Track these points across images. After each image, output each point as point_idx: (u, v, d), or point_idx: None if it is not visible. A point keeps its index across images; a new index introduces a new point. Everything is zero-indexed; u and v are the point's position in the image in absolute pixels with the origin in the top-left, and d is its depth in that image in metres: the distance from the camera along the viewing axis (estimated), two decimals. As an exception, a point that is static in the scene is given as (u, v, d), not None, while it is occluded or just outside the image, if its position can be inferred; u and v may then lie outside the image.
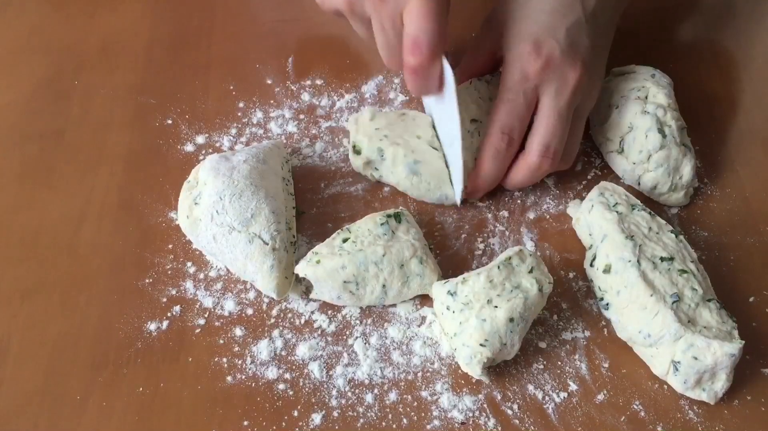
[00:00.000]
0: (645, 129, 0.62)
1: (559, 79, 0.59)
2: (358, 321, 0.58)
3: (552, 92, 0.59)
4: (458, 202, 0.63)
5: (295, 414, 0.54)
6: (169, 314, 0.58)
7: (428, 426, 0.53)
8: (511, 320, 0.53)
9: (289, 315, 0.58)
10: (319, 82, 0.73)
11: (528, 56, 0.59)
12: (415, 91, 0.60)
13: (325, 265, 0.56)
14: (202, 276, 0.60)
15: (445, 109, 0.60)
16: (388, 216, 0.59)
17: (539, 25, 0.60)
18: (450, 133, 0.60)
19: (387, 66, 0.60)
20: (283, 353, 0.56)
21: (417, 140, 0.63)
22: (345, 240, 0.57)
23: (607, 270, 0.57)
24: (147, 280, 0.60)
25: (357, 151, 0.64)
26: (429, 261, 0.57)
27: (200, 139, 0.69)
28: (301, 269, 0.57)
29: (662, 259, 0.56)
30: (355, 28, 0.61)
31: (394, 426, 0.53)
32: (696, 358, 0.52)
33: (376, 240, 0.57)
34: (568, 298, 0.59)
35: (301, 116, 0.70)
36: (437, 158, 0.62)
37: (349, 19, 0.60)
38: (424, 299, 0.59)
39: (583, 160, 0.67)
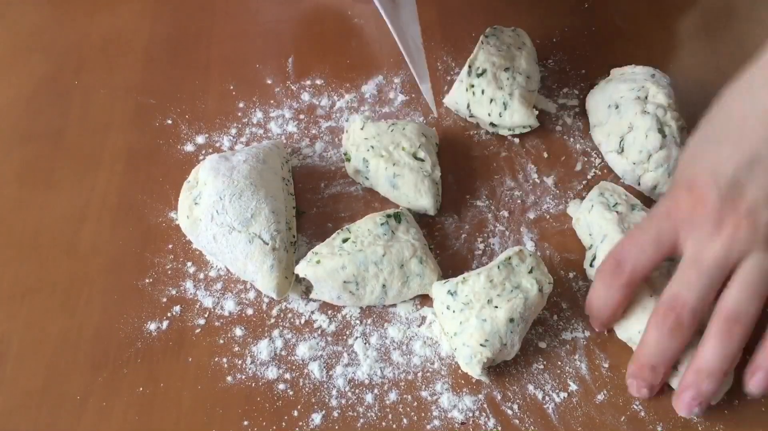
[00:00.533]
0: (645, 129, 0.62)
1: (708, 225, 0.49)
2: (358, 321, 0.58)
3: (695, 240, 0.50)
4: (435, 112, 0.67)
5: (295, 414, 0.54)
6: (169, 314, 0.58)
7: (428, 426, 0.53)
8: (512, 320, 0.53)
9: (289, 315, 0.58)
10: (319, 82, 0.73)
11: (677, 193, 0.51)
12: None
13: (325, 265, 0.56)
14: (202, 276, 0.60)
15: (403, 15, 0.58)
16: (388, 216, 0.59)
17: (703, 159, 0.51)
18: (413, 40, 0.59)
19: None
20: (283, 353, 0.56)
21: (401, 152, 0.63)
22: (345, 241, 0.57)
23: None
24: (147, 280, 0.60)
25: (347, 159, 0.64)
26: (429, 261, 0.57)
27: (200, 139, 0.69)
28: (301, 269, 0.57)
29: None
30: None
31: (394, 426, 0.53)
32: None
33: (376, 241, 0.57)
34: (568, 298, 0.59)
35: (301, 116, 0.70)
36: (416, 171, 0.62)
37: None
38: (424, 299, 0.59)
39: (583, 159, 0.67)
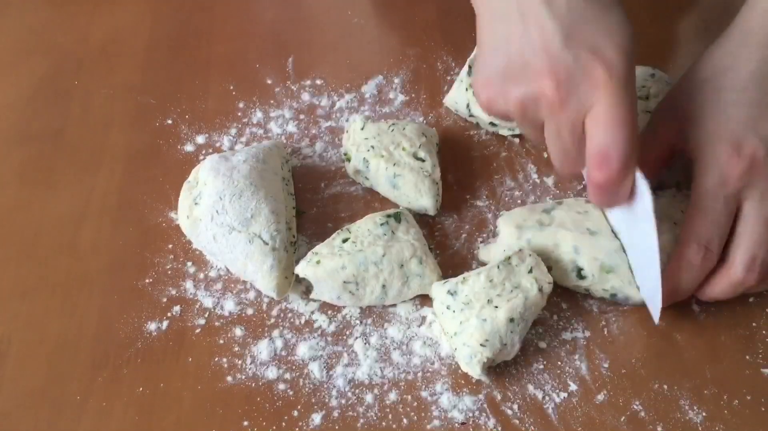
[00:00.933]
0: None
1: (764, 182, 0.52)
2: (358, 321, 0.58)
3: (757, 197, 0.52)
4: (656, 321, 0.56)
5: (295, 414, 0.54)
6: (169, 314, 0.58)
7: (428, 426, 0.53)
8: (512, 320, 0.53)
9: (289, 315, 0.58)
10: (319, 82, 0.73)
11: (728, 158, 0.52)
12: (600, 204, 0.54)
13: (325, 266, 0.56)
14: (202, 276, 0.60)
15: (636, 224, 0.52)
16: (388, 216, 0.59)
17: (737, 121, 0.53)
18: (643, 251, 0.53)
19: (559, 172, 0.53)
20: (283, 353, 0.56)
21: (401, 152, 0.63)
22: (345, 241, 0.57)
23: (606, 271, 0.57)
24: (147, 280, 0.60)
25: (347, 159, 0.64)
26: (429, 261, 0.57)
27: (200, 139, 0.69)
28: (301, 269, 0.57)
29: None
30: (523, 131, 0.55)
31: (394, 426, 0.53)
32: None
33: (376, 241, 0.57)
34: (568, 298, 0.59)
35: (301, 116, 0.70)
36: (416, 171, 0.62)
37: (518, 123, 0.53)
38: (424, 299, 0.59)
39: (583, 160, 0.67)
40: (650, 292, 0.55)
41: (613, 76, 0.47)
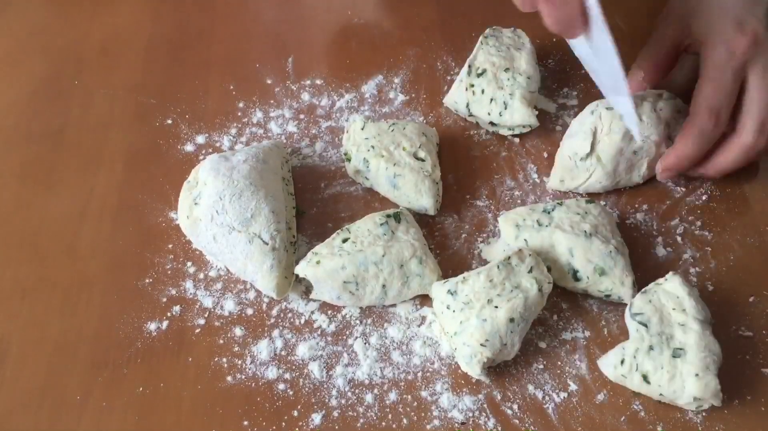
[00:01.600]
0: None
1: (766, 56, 0.57)
2: (358, 321, 0.58)
3: (761, 69, 0.58)
4: (638, 139, 0.61)
5: (295, 414, 0.54)
6: (169, 314, 0.58)
7: (428, 426, 0.53)
8: (512, 320, 0.53)
9: (289, 315, 0.58)
10: (319, 82, 0.73)
11: (734, 34, 0.57)
12: (553, 25, 0.52)
13: (325, 266, 0.56)
14: (202, 276, 0.60)
15: (597, 49, 0.54)
16: (388, 216, 0.59)
17: (736, 5, 0.59)
18: (610, 76, 0.56)
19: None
20: (283, 353, 0.56)
21: (401, 152, 0.63)
22: (345, 241, 0.57)
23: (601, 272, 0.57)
24: (147, 280, 0.60)
25: (347, 159, 0.64)
26: (429, 261, 0.57)
27: (200, 139, 0.69)
28: (301, 269, 0.57)
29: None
30: None
31: (394, 426, 0.53)
32: None
33: (376, 241, 0.57)
34: (568, 298, 0.59)
35: (301, 116, 0.70)
36: (416, 171, 0.62)
37: None
38: (424, 299, 0.59)
39: (583, 160, 0.67)
40: (625, 109, 0.58)
41: None
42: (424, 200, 0.62)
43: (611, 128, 0.63)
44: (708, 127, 0.58)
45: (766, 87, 0.58)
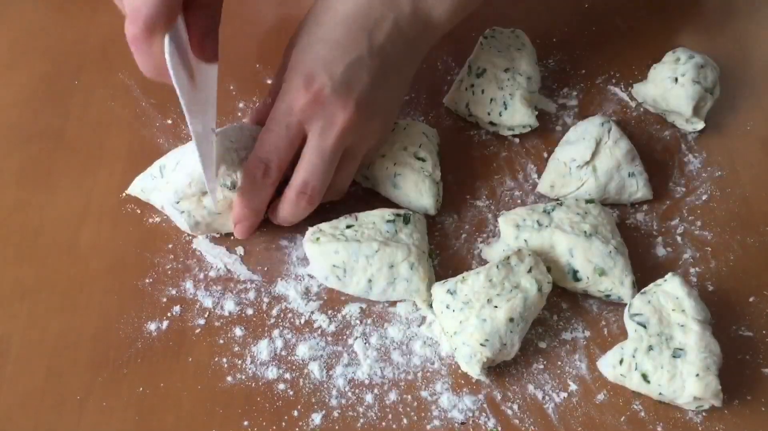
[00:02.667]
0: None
1: (326, 117, 0.56)
2: (358, 321, 0.58)
3: (317, 131, 0.56)
4: (215, 206, 0.59)
5: (295, 414, 0.54)
6: (169, 314, 0.58)
7: (428, 426, 0.53)
8: (511, 320, 0.53)
9: (289, 315, 0.58)
10: (319, 82, 0.73)
11: (296, 90, 0.56)
12: (140, 67, 0.52)
13: (321, 244, 0.57)
14: (202, 276, 0.60)
15: (195, 98, 0.54)
16: (397, 215, 0.59)
17: (316, 58, 0.57)
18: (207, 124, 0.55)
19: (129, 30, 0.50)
20: (283, 353, 0.56)
21: (403, 152, 0.63)
22: (348, 227, 0.58)
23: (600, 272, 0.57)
24: (147, 280, 0.60)
25: None
26: (420, 269, 0.57)
27: (200, 139, 0.69)
28: (305, 242, 0.59)
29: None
30: None
31: (394, 426, 0.53)
32: None
33: (376, 235, 0.57)
34: (568, 298, 0.59)
35: (301, 116, 0.70)
36: (416, 171, 0.62)
37: None
38: (424, 299, 0.59)
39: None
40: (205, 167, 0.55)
41: None
42: (424, 200, 0.62)
43: (616, 143, 0.63)
44: (257, 176, 0.57)
45: (316, 150, 0.57)
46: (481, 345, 0.53)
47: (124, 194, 0.62)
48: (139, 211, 0.64)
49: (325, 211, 0.64)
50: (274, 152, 0.57)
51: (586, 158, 0.62)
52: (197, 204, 0.59)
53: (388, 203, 0.64)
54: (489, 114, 0.67)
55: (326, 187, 0.59)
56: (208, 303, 0.59)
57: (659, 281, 0.56)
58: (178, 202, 0.59)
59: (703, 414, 0.54)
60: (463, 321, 0.54)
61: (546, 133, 0.69)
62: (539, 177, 0.66)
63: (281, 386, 0.55)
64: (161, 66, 0.51)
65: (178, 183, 0.59)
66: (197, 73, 0.54)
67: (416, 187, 0.62)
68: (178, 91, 0.51)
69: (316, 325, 0.58)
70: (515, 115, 0.66)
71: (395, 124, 0.64)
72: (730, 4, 0.82)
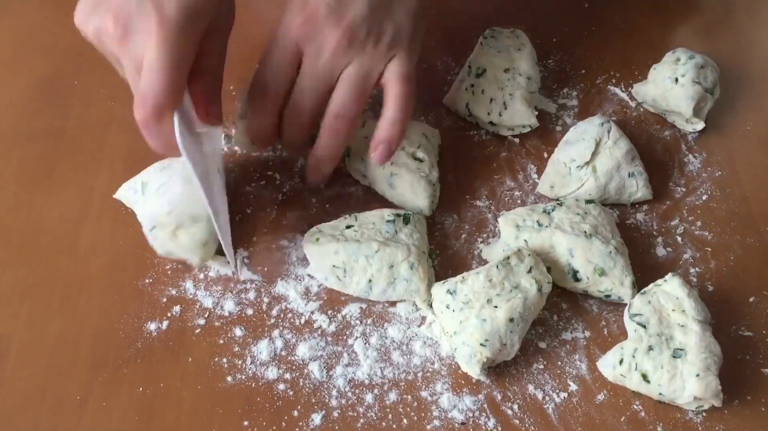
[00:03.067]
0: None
1: (319, 38, 0.56)
2: (358, 321, 0.58)
3: (312, 52, 0.56)
4: (234, 272, 0.59)
5: (295, 414, 0.54)
6: (169, 314, 0.58)
7: (428, 426, 0.53)
8: (511, 320, 0.53)
9: (289, 315, 0.58)
10: (319, 82, 0.73)
11: (293, 13, 0.57)
12: (151, 147, 0.54)
13: (321, 245, 0.57)
14: (202, 276, 0.60)
15: (206, 172, 0.55)
16: (397, 215, 0.59)
17: None
18: (213, 199, 0.55)
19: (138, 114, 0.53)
20: (283, 353, 0.56)
21: (400, 151, 0.63)
22: (348, 227, 0.58)
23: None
24: (147, 280, 0.60)
25: (347, 155, 0.64)
26: (420, 269, 0.57)
27: (200, 139, 0.69)
28: (304, 242, 0.59)
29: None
30: (110, 60, 0.57)
31: (394, 426, 0.53)
32: None
33: (376, 235, 0.57)
34: (568, 298, 0.59)
35: (301, 116, 0.70)
36: (413, 171, 0.62)
37: (99, 50, 0.56)
38: (424, 299, 0.59)
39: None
40: (223, 235, 0.57)
41: (164, 26, 0.49)
42: (419, 201, 0.62)
43: (616, 143, 0.63)
44: (258, 97, 0.58)
45: (310, 67, 0.56)
46: (481, 345, 0.53)
47: (115, 196, 0.62)
48: (139, 211, 0.64)
49: (325, 211, 0.64)
50: (274, 75, 0.58)
51: (586, 158, 0.62)
52: (171, 236, 0.57)
53: (388, 203, 0.64)
54: (489, 114, 0.67)
55: (320, 110, 0.58)
56: (208, 303, 0.59)
57: (659, 281, 0.56)
58: (151, 230, 0.57)
59: (703, 414, 0.54)
60: (463, 321, 0.54)
61: (546, 133, 0.69)
62: (539, 177, 0.66)
63: (281, 386, 0.55)
64: (172, 144, 0.52)
65: (157, 208, 0.57)
66: (204, 136, 0.55)
67: (412, 187, 0.62)
68: (191, 169, 0.52)
69: (316, 325, 0.58)
70: (515, 115, 0.66)
71: None
72: (730, 4, 0.82)
